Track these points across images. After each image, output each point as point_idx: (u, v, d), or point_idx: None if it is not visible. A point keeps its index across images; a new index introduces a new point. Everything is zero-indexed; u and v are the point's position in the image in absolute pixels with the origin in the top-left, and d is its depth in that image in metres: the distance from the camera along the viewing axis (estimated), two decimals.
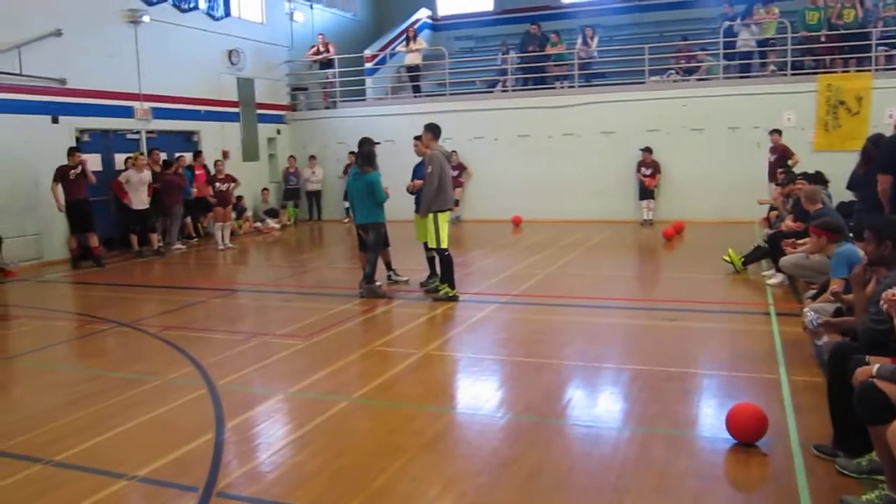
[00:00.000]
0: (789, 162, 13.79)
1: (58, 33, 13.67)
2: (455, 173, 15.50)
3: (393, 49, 21.56)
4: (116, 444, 4.95)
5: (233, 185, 15.50)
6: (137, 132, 15.80)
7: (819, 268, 7.42)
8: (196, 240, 16.24)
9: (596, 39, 18.55)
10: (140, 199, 14.18)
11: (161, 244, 14.77)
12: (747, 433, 4.54)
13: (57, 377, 6.75)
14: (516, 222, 17.37)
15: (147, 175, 14.36)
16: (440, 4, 25.22)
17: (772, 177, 13.99)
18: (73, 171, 12.85)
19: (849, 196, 10.25)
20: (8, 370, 7.15)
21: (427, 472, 4.34)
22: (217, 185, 15.21)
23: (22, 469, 4.54)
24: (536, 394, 5.71)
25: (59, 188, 12.84)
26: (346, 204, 18.68)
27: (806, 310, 5.87)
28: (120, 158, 14.99)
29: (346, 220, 18.77)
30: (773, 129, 14.64)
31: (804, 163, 13.50)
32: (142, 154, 14.87)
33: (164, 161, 15.31)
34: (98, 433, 5.09)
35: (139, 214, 14.31)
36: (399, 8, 24.26)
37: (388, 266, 10.35)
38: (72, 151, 13.07)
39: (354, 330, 8.10)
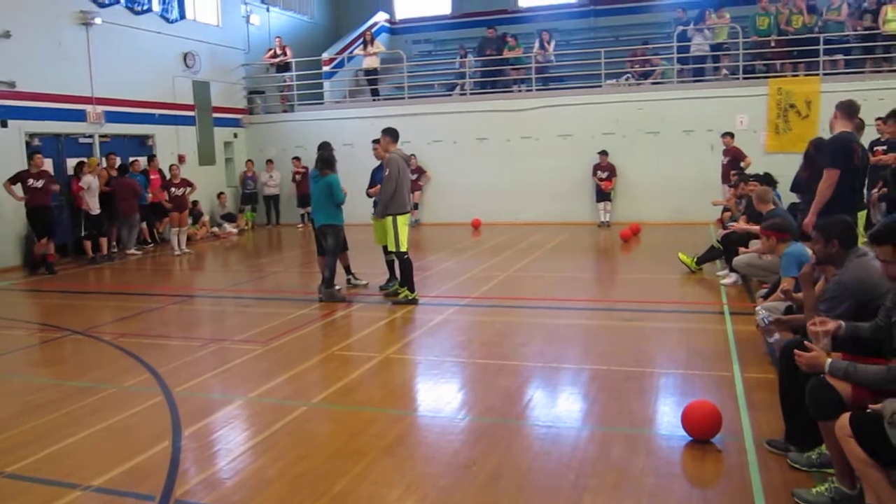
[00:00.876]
0: (742, 164, 14.08)
1: (6, 35, 13.37)
2: (414, 177, 15.50)
3: (351, 52, 21.49)
4: (71, 453, 4.85)
5: (189, 189, 15.29)
6: (90, 136, 15.51)
7: (771, 267, 7.59)
8: (152, 245, 15.98)
9: (553, 43, 18.74)
10: (96, 204, 13.98)
11: (114, 250, 14.56)
12: (702, 430, 4.64)
13: (10, 386, 6.59)
14: (475, 225, 17.44)
15: (96, 181, 14.18)
16: (398, 8, 25.23)
17: (725, 178, 14.27)
18: (32, 178, 12.59)
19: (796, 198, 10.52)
20: None
21: (388, 475, 4.34)
22: (172, 189, 14.98)
23: None
24: (497, 395, 5.75)
25: (16, 188, 12.56)
26: (301, 210, 18.74)
27: (758, 308, 6.01)
28: (71, 163, 14.69)
29: (301, 226, 18.72)
30: (726, 132, 14.94)
31: (757, 165, 13.80)
32: (94, 158, 14.64)
33: (120, 166, 15.03)
34: (52, 443, 4.99)
35: (96, 219, 14.11)
36: (356, 11, 24.22)
37: (348, 270, 10.32)
38: (32, 155, 12.81)
39: (314, 334, 8.05)
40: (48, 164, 14.01)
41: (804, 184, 8.40)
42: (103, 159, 15.19)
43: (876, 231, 3.85)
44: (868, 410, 3.40)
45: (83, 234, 14.25)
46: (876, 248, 3.79)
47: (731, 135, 14.88)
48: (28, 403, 5.91)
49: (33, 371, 7.32)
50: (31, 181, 12.67)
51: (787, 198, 10.63)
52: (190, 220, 16.26)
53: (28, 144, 13.91)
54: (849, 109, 7.05)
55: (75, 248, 14.65)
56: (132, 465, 4.57)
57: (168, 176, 15.47)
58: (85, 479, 4.38)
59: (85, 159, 14.49)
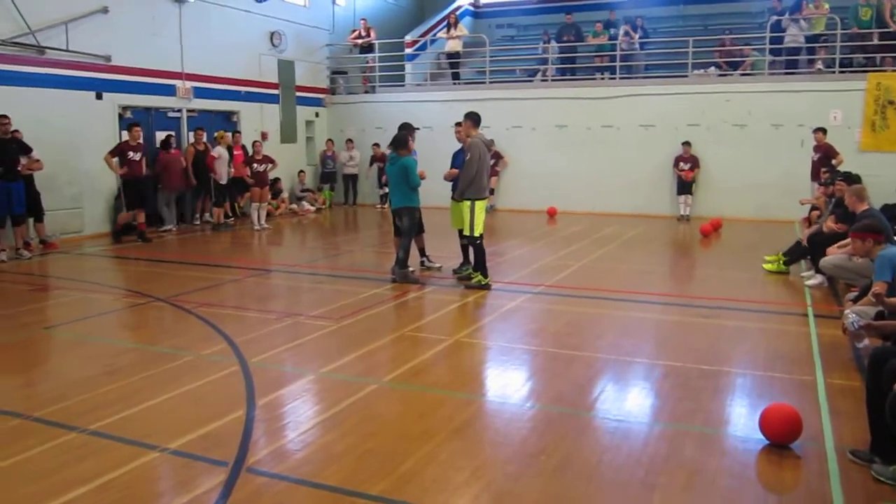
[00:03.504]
0: (833, 161, 13.51)
1: (104, 10, 13.87)
2: (491, 162, 15.42)
3: (434, 35, 21.50)
4: (149, 416, 5.02)
5: (270, 166, 15.60)
6: (179, 110, 15.99)
7: (861, 270, 7.27)
8: (233, 219, 16.41)
9: (639, 31, 18.31)
10: (224, 174, 15.24)
11: (231, 217, 16.00)
12: (781, 434, 4.47)
13: (93, 348, 6.86)
14: (551, 213, 17.27)
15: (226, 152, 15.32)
16: None
17: (814, 176, 13.72)
18: (132, 151, 13.07)
19: (893, 197, 10.05)
20: (46, 340, 7.29)
21: (455, 458, 4.34)
22: (255, 165, 15.32)
23: (58, 436, 4.64)
24: (566, 385, 5.68)
25: (115, 160, 13.06)
26: (381, 191, 18.90)
27: (847, 311, 5.75)
28: (160, 136, 15.18)
29: (380, 207, 18.89)
30: (818, 128, 14.31)
31: (850, 163, 13.19)
32: (226, 132, 15.65)
33: (163, 140, 15.12)
34: (132, 405, 5.18)
35: (222, 189, 15.34)
36: None
37: (422, 252, 10.35)
38: (132, 127, 13.28)
39: (385, 314, 8.12)
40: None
41: None
42: (191, 134, 15.68)
43: None
44: None
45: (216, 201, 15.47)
46: None
47: (824, 130, 14.26)
48: (111, 365, 6.15)
49: (117, 334, 7.61)
50: (130, 153, 13.12)
51: (877, 199, 10.17)
52: (269, 197, 16.60)
53: (120, 117, 14.43)
54: None
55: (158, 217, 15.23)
56: (207, 431, 4.70)
57: (251, 152, 15.81)
58: (162, 441, 4.52)
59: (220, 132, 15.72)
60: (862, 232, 6.42)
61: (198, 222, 15.73)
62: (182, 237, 14.22)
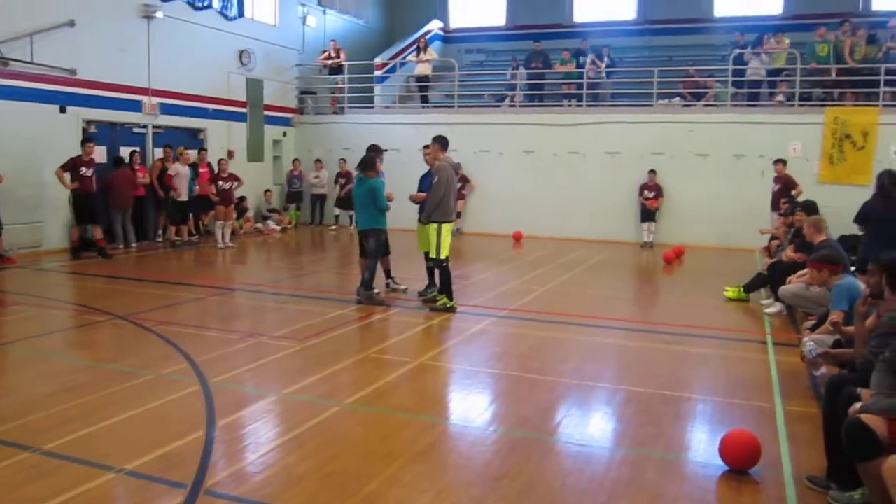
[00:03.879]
0: (793, 192, 13.81)
1: (71, 24, 13.72)
2: (458, 185, 15.50)
3: (403, 58, 21.61)
4: (107, 435, 4.92)
5: (236, 184, 15.50)
6: (144, 126, 15.82)
7: (818, 299, 7.41)
8: (196, 237, 16.22)
9: (606, 60, 18.62)
10: (184, 191, 15.01)
11: (195, 235, 15.86)
12: (740, 460, 4.53)
13: (51, 366, 6.72)
14: (517, 237, 17.37)
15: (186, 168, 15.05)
16: (452, 17, 25.28)
17: (774, 206, 14.02)
18: (84, 166, 12.88)
19: (850, 228, 10.30)
20: (3, 356, 7.12)
21: (419, 480, 4.32)
22: (220, 183, 15.21)
23: (12, 455, 4.52)
24: (530, 409, 5.69)
25: (67, 175, 12.85)
26: (337, 211, 18.94)
27: (805, 339, 5.87)
28: (124, 152, 14.99)
29: (333, 228, 18.85)
30: (778, 159, 14.65)
31: (809, 194, 13.35)
32: (187, 149, 15.31)
33: (116, 158, 14.82)
34: (89, 424, 5.07)
35: (183, 206, 15.08)
36: (411, 18, 24.31)
37: (388, 274, 10.33)
38: (85, 142, 13.10)
39: (350, 336, 8.07)
40: (101, 152, 14.37)
41: (878, 215, 8.26)
42: (158, 150, 15.53)
43: None
44: None
45: (173, 218, 15.24)
46: None
47: (784, 162, 14.60)
48: (68, 383, 6.02)
49: (75, 352, 7.45)
50: (83, 169, 12.96)
51: (835, 229, 10.41)
52: (235, 215, 16.47)
53: (84, 131, 14.23)
54: None
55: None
56: (165, 452, 4.61)
57: (217, 170, 15.69)
58: (119, 462, 4.43)
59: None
60: (819, 262, 6.57)
61: (160, 239, 15.53)
62: (143, 254, 14.01)
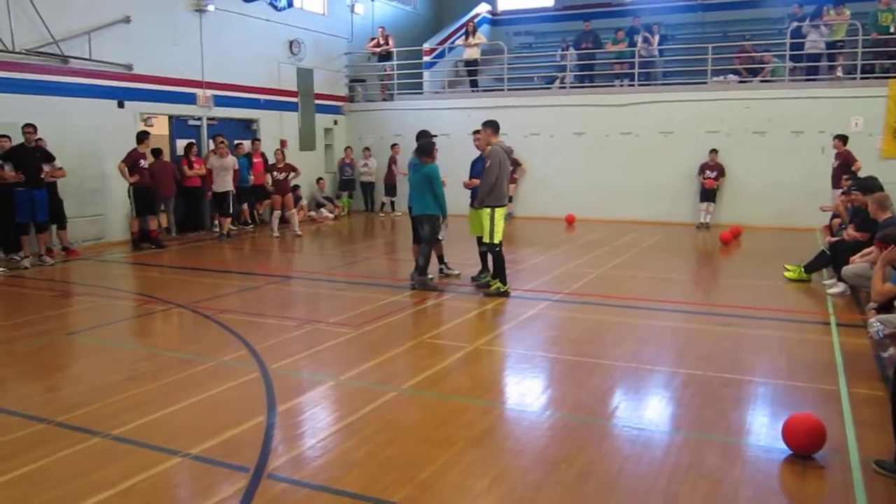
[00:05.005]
0: (852, 168, 13.38)
1: (126, 20, 14.03)
2: (510, 169, 15.44)
3: (452, 43, 21.55)
4: (171, 421, 5.06)
5: (292, 174, 15.57)
6: (199, 119, 16.12)
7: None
8: (252, 226, 16.49)
9: (657, 38, 18.28)
10: (223, 183, 14.88)
11: (250, 225, 16.17)
12: (804, 444, 4.42)
13: (116, 354, 6.92)
14: (570, 221, 17.23)
15: (231, 161, 15.02)
16: (500, 0, 25.11)
17: (835, 183, 13.60)
18: (143, 160, 13.21)
19: None
20: (70, 345, 7.37)
21: (475, 465, 4.33)
22: (275, 173, 15.38)
23: (81, 441, 4.68)
24: (586, 393, 5.65)
25: (127, 169, 13.19)
26: (385, 199, 19.09)
27: (872, 320, 5.71)
28: (181, 144, 15.32)
29: (382, 214, 19.01)
30: (838, 135, 14.19)
31: (871, 170, 12.93)
32: (223, 141, 15.18)
33: (154, 149, 14.58)
34: (154, 410, 5.22)
35: (221, 197, 14.99)
36: (459, 2, 24.23)
37: (441, 259, 10.36)
38: (143, 137, 13.40)
39: (405, 321, 8.13)
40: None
41: None
42: (210, 142, 15.78)
43: None
44: None
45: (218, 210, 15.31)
46: None
47: (842, 137, 14.12)
48: (133, 371, 6.21)
49: (139, 341, 7.67)
50: (141, 162, 13.27)
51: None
52: (293, 204, 16.63)
53: (145, 122, 14.56)
54: None
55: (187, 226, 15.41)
56: (228, 437, 4.72)
57: (273, 160, 15.84)
58: (184, 447, 4.55)
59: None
60: (883, 241, 6.37)
61: (216, 230, 15.83)
62: (200, 244, 14.31)
